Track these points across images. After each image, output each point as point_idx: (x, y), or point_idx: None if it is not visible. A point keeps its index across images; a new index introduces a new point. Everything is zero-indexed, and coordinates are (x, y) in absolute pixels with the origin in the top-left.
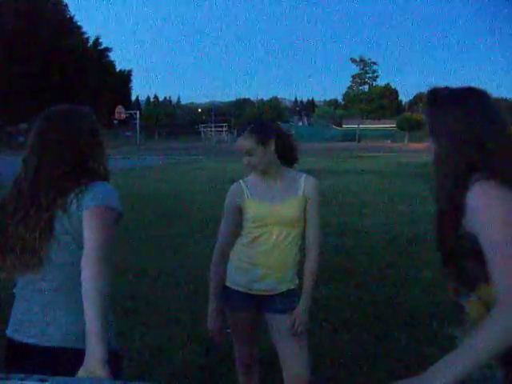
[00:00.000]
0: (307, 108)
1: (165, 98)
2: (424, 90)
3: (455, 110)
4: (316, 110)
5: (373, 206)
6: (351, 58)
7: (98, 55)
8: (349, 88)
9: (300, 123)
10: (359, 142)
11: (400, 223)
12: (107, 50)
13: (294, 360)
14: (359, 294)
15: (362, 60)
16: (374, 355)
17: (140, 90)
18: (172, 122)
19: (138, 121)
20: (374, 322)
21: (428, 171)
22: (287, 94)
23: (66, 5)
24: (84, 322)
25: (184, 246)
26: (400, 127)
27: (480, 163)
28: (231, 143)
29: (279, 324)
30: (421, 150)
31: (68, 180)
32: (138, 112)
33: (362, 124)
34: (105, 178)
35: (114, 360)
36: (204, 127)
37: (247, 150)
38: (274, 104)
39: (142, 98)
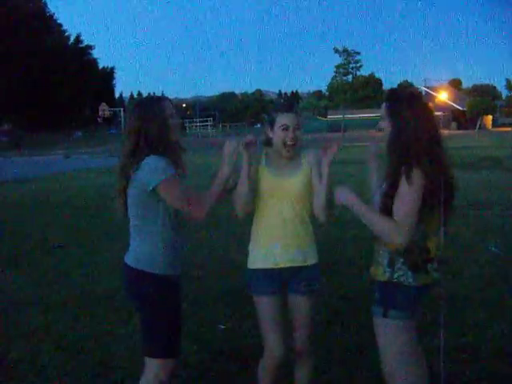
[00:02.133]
0: (292, 100)
1: (149, 93)
2: (408, 78)
3: (407, 109)
4: (300, 101)
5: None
6: (334, 48)
7: (80, 53)
8: (333, 79)
9: None
10: (345, 132)
11: None
12: (89, 47)
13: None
14: (350, 285)
15: (345, 50)
16: (366, 346)
17: (124, 87)
18: None
19: (122, 118)
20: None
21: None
22: (271, 86)
23: (45, 3)
24: (153, 252)
25: None
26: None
27: (415, 155)
28: (217, 137)
29: (300, 305)
30: None
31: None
32: (121, 109)
33: (347, 114)
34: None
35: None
36: (189, 122)
37: (296, 124)
38: (259, 97)
39: (126, 95)
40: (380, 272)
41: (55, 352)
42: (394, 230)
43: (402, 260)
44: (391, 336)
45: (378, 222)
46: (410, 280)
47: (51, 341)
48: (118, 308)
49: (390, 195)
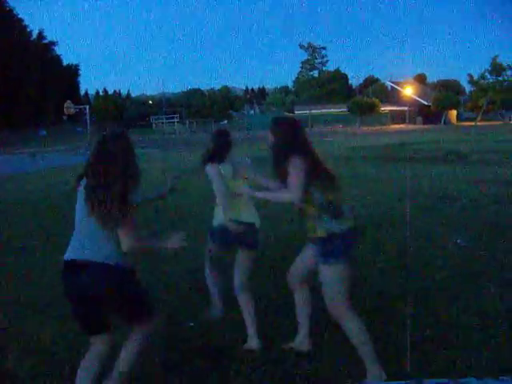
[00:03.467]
0: (258, 96)
1: (114, 91)
2: (373, 73)
3: (281, 130)
4: (267, 97)
5: None
6: (300, 44)
7: (42, 49)
8: (299, 74)
9: (252, 111)
10: (312, 127)
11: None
12: (52, 43)
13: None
14: None
15: (310, 46)
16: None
17: (89, 84)
18: (123, 114)
19: (88, 116)
20: None
21: (377, 155)
22: (238, 82)
23: None
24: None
25: None
26: (351, 111)
27: (294, 151)
28: (183, 134)
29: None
30: (371, 133)
31: None
32: (87, 107)
33: (313, 110)
34: None
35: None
36: (155, 119)
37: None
38: (225, 93)
39: (92, 92)
40: (316, 231)
41: (22, 355)
42: (286, 194)
43: (324, 216)
44: (332, 277)
45: (276, 196)
46: (338, 227)
47: (18, 343)
48: None
49: (284, 177)
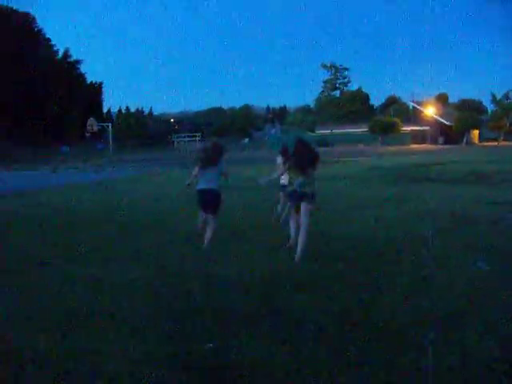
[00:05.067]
0: (280, 115)
1: (137, 109)
2: (395, 92)
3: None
4: (288, 116)
5: (343, 212)
6: (322, 64)
7: (68, 67)
8: (320, 93)
9: (273, 130)
10: (333, 146)
11: (368, 228)
12: (77, 62)
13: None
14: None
15: (333, 66)
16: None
17: (112, 102)
18: (144, 132)
19: (110, 133)
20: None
21: (398, 174)
22: (259, 101)
23: (34, 18)
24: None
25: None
26: (372, 131)
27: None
28: None
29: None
30: (395, 152)
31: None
32: (110, 124)
33: (335, 129)
34: None
35: None
36: (177, 137)
37: None
38: (246, 112)
39: (114, 110)
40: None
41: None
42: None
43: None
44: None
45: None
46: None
47: (35, 360)
48: (104, 326)
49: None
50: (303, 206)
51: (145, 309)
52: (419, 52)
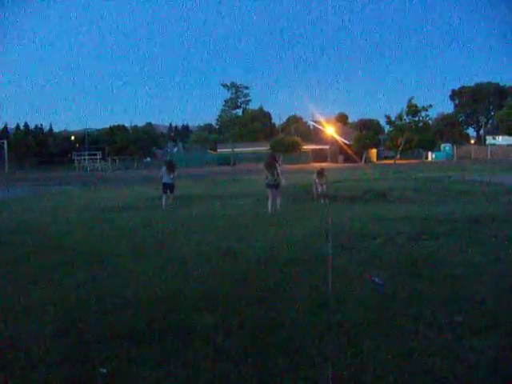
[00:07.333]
0: (182, 133)
1: (36, 126)
2: (297, 112)
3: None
4: (191, 135)
5: (251, 229)
6: (222, 84)
7: None
8: (222, 112)
9: (175, 149)
10: (234, 165)
11: (277, 244)
12: None
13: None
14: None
15: (233, 85)
16: None
17: (9, 118)
18: (44, 150)
19: (6, 150)
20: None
21: (298, 193)
22: (161, 120)
23: None
24: None
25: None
26: (274, 149)
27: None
28: (106, 171)
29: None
30: (295, 170)
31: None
32: (5, 141)
33: (236, 148)
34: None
35: None
36: (77, 155)
37: None
38: (149, 130)
39: (12, 127)
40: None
41: None
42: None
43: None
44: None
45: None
46: (267, 182)
47: None
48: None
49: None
50: (275, 191)
51: None
52: (319, 73)
